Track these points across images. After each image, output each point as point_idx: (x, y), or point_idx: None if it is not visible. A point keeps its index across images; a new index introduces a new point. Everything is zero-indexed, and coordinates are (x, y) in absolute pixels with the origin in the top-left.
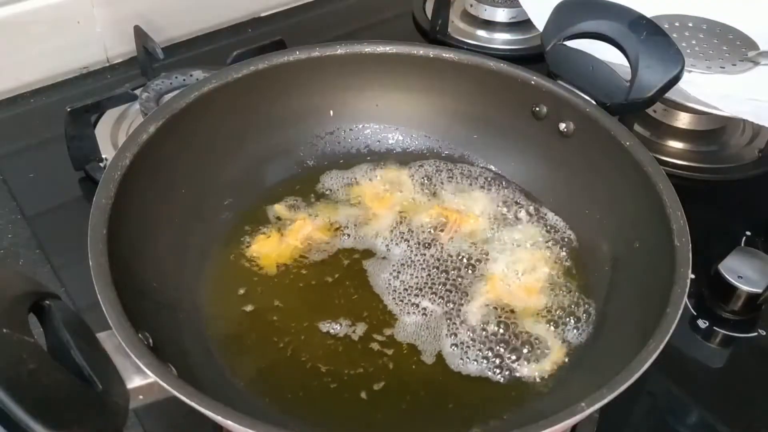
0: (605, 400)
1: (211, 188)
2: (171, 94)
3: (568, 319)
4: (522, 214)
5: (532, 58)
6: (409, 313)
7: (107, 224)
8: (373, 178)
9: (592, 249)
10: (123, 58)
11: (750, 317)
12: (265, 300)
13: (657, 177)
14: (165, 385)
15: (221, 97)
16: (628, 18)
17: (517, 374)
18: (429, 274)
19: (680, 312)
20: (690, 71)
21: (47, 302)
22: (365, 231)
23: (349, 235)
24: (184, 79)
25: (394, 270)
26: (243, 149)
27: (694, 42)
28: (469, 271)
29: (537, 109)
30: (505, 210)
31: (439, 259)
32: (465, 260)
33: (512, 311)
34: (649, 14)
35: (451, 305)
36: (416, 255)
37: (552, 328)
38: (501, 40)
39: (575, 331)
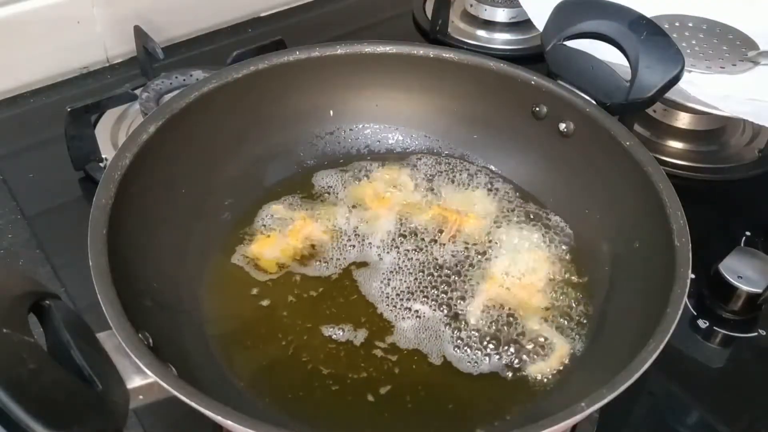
0: (605, 400)
1: (211, 188)
2: (171, 94)
3: (568, 319)
4: (522, 214)
5: (532, 58)
6: (404, 318)
7: (107, 224)
8: (373, 178)
9: (592, 249)
10: (123, 58)
11: (750, 317)
12: (265, 300)
13: (657, 177)
14: (165, 385)
15: (221, 97)
16: (628, 18)
17: (521, 373)
18: (429, 275)
19: (680, 312)
20: (690, 71)
21: (47, 302)
22: (365, 231)
23: (349, 236)
24: (184, 79)
25: (384, 277)
26: (243, 149)
27: (694, 42)
28: (470, 272)
29: (537, 109)
30: (504, 210)
31: (439, 260)
32: (465, 260)
33: (512, 311)
34: (649, 14)
35: (452, 306)
36: (416, 255)
37: (552, 327)
38: (501, 40)
39: (575, 331)
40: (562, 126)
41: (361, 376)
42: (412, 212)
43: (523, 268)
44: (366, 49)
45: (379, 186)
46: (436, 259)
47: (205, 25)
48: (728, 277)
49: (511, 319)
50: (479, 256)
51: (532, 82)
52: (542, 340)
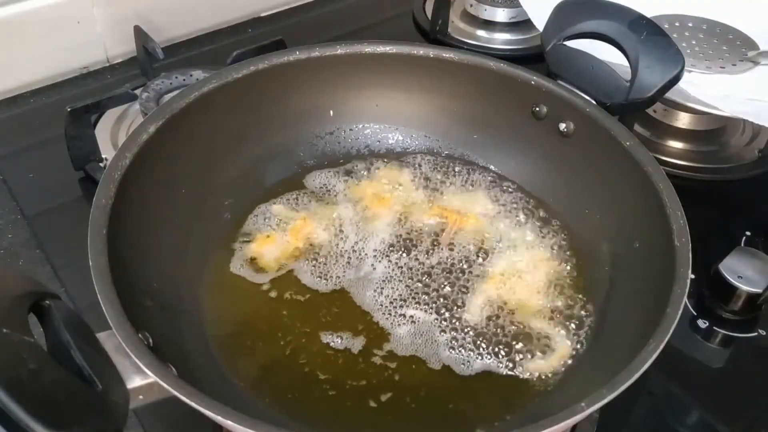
0: (605, 400)
1: (211, 188)
2: (171, 94)
3: (567, 319)
4: (522, 214)
5: (532, 58)
6: (400, 325)
7: (107, 224)
8: (373, 178)
9: (592, 249)
10: (123, 58)
11: (750, 317)
12: (265, 300)
13: (657, 177)
14: (165, 385)
15: (221, 97)
16: (628, 18)
17: (521, 373)
18: (429, 275)
19: (680, 312)
20: (690, 71)
21: (47, 302)
22: (365, 231)
23: (348, 236)
24: (184, 79)
25: (377, 286)
26: (243, 149)
27: (694, 42)
28: (470, 272)
29: (537, 109)
30: (505, 210)
31: (438, 260)
32: (465, 261)
33: (513, 311)
34: (649, 14)
35: (452, 307)
36: (415, 256)
37: (552, 327)
38: (501, 40)
39: (575, 331)
40: (562, 126)
41: (361, 383)
42: (412, 212)
43: (522, 269)
44: (366, 49)
45: (379, 186)
46: (434, 261)
47: (205, 25)
48: (728, 277)
49: (510, 319)
50: (479, 257)
51: (532, 82)
52: (542, 340)
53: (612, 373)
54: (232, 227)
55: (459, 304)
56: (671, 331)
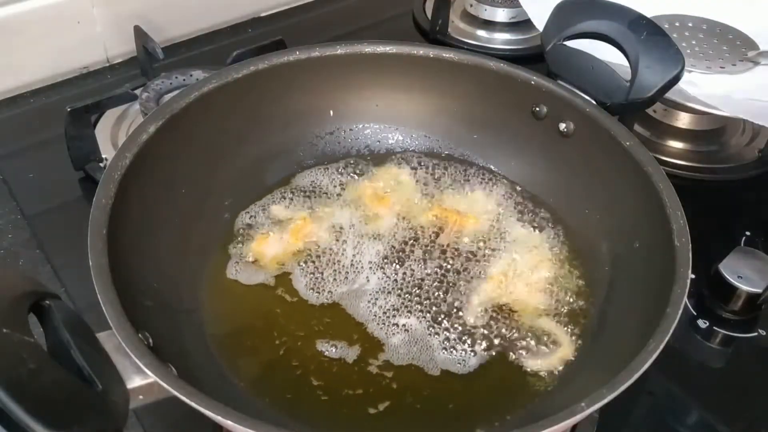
0: (605, 400)
1: (211, 188)
2: (171, 94)
3: (567, 319)
4: (522, 214)
5: (532, 58)
6: (394, 334)
7: (107, 224)
8: (373, 178)
9: (592, 249)
10: (123, 58)
11: (750, 317)
12: (265, 301)
13: (657, 177)
14: (165, 385)
15: (221, 97)
16: (628, 18)
17: (521, 373)
18: (429, 274)
19: (680, 312)
20: (690, 71)
21: (47, 302)
22: (365, 231)
23: (348, 236)
24: (184, 79)
25: (371, 297)
26: (243, 149)
27: (694, 42)
28: (470, 272)
29: (537, 109)
30: (504, 210)
31: (438, 261)
32: (465, 261)
33: (513, 311)
34: (649, 14)
35: (452, 307)
36: (415, 256)
37: (552, 327)
38: (501, 40)
39: (575, 331)
40: (562, 126)
41: (357, 392)
42: (412, 212)
43: (522, 268)
44: (366, 49)
45: (379, 186)
46: (434, 262)
47: (205, 25)
48: (728, 277)
49: (510, 319)
50: (479, 257)
51: (532, 82)
52: (542, 340)
53: (612, 373)
54: (232, 227)
55: (456, 305)
56: (671, 331)
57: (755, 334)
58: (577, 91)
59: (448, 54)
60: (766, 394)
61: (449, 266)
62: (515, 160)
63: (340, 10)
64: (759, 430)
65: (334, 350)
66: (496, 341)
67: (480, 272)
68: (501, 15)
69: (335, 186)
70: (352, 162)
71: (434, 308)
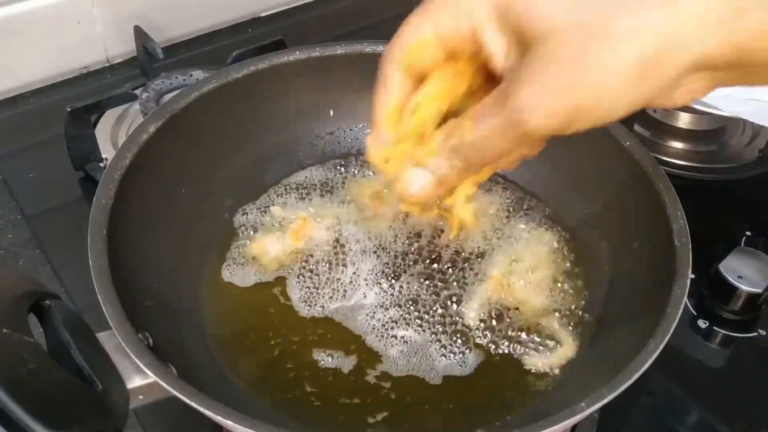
0: (605, 400)
1: (211, 188)
2: (171, 94)
3: (567, 318)
4: (521, 214)
5: None
6: (393, 345)
7: (107, 224)
8: (373, 178)
9: (592, 249)
10: (123, 58)
11: (750, 317)
12: (265, 300)
13: (657, 177)
14: (165, 385)
15: (221, 97)
16: None
17: (521, 373)
18: (429, 275)
19: (680, 312)
20: None
21: (47, 302)
22: (365, 230)
23: (348, 236)
24: (184, 79)
25: (369, 311)
26: (243, 149)
27: None
28: (470, 272)
29: None
30: (504, 210)
31: (439, 260)
32: (465, 261)
33: (512, 311)
34: None
35: (452, 308)
36: (415, 256)
37: (552, 327)
38: None
39: (575, 330)
40: None
41: (354, 401)
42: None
43: (522, 268)
44: (366, 49)
45: (379, 186)
46: (436, 260)
47: (205, 25)
48: (728, 277)
49: (510, 319)
50: (479, 257)
51: None
52: (542, 340)
53: (612, 373)
54: (232, 227)
55: (456, 306)
56: (671, 331)
57: (755, 334)
58: None
59: None
60: (766, 394)
61: (449, 266)
62: None
63: (340, 10)
64: (759, 430)
65: (331, 358)
66: (496, 341)
67: (480, 272)
68: None
69: (335, 186)
70: (352, 162)
71: (434, 308)
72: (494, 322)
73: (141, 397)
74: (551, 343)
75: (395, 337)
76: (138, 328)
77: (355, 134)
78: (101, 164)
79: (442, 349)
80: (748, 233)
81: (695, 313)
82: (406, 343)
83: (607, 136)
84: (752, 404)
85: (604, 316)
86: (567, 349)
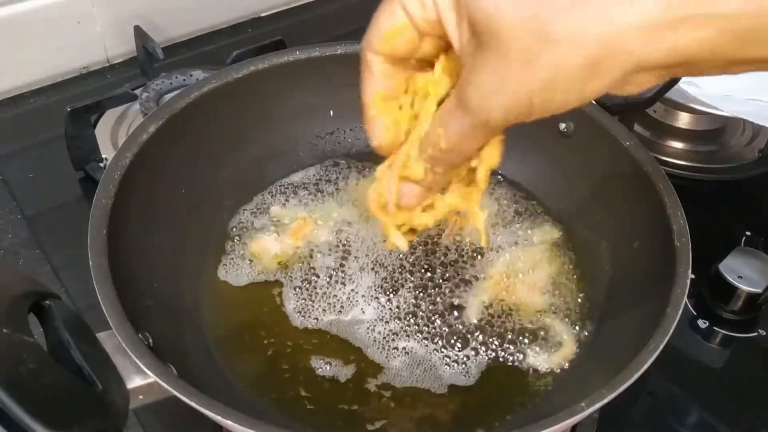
0: (605, 400)
1: (211, 188)
2: (171, 94)
3: (567, 318)
4: (522, 214)
5: None
6: (394, 357)
7: (107, 224)
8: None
9: (592, 249)
10: (123, 58)
11: (750, 317)
12: (265, 300)
13: (657, 177)
14: (165, 385)
15: (221, 97)
16: None
17: (521, 373)
18: (429, 274)
19: (680, 312)
20: None
21: (47, 302)
22: (365, 230)
23: (348, 235)
24: (184, 79)
25: (370, 325)
26: (243, 149)
27: None
28: (470, 272)
29: None
30: (505, 210)
31: (439, 261)
32: (465, 261)
33: (512, 311)
34: None
35: (452, 308)
36: (416, 256)
37: (552, 327)
38: None
39: (575, 331)
40: (562, 126)
41: (351, 409)
42: None
43: (522, 268)
44: None
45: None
46: (437, 260)
47: (205, 25)
48: (728, 277)
49: (510, 319)
50: (479, 257)
51: None
52: (542, 340)
53: (612, 373)
54: (232, 227)
55: (457, 306)
56: (671, 331)
57: (755, 334)
58: None
59: None
60: (766, 394)
61: (449, 266)
62: (515, 160)
63: (340, 10)
64: (759, 430)
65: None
66: (497, 342)
67: (480, 272)
68: None
69: (335, 186)
70: (352, 162)
71: (434, 308)
72: (494, 324)
73: (141, 397)
74: (551, 343)
75: (396, 348)
76: (138, 328)
77: (355, 134)
78: (101, 164)
79: (446, 359)
80: (748, 233)
81: (695, 313)
82: (408, 354)
83: (607, 136)
84: (752, 404)
85: (604, 316)
86: (567, 349)
